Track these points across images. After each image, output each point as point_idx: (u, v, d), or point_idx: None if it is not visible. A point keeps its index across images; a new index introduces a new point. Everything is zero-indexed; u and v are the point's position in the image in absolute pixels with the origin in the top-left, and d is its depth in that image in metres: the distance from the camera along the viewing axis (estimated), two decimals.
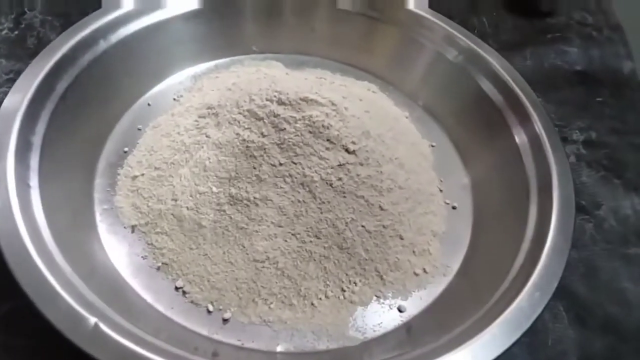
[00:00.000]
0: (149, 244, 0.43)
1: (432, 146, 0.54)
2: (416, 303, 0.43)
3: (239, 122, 0.44)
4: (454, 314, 0.41)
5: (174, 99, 0.53)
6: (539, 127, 0.48)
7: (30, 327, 0.38)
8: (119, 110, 0.51)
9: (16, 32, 0.58)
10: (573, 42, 0.68)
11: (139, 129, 0.50)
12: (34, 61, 0.45)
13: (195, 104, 0.50)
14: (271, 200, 0.43)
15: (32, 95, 0.43)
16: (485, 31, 0.68)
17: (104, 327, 0.32)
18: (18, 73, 0.53)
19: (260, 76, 0.54)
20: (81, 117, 0.46)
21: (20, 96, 0.42)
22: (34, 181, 0.40)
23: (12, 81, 0.53)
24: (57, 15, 0.60)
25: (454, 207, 0.50)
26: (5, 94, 0.51)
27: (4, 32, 0.58)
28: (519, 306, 0.37)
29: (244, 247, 0.42)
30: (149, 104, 0.53)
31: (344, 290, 0.42)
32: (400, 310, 0.43)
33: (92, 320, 0.32)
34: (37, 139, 0.42)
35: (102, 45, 0.49)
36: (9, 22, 0.59)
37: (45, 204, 0.39)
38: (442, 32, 0.55)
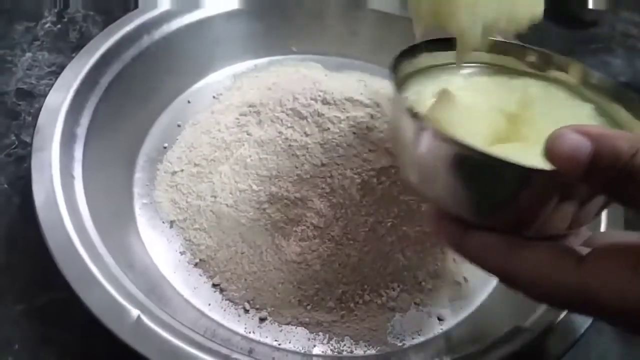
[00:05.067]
0: (187, 240, 0.43)
1: None
2: (456, 312, 0.42)
3: (281, 120, 0.44)
4: (495, 325, 0.40)
5: (214, 97, 0.53)
6: None
7: (70, 319, 0.37)
8: (160, 106, 0.51)
9: (59, 26, 0.59)
10: (617, 53, 0.67)
11: (179, 126, 0.50)
12: (79, 54, 0.45)
13: (235, 102, 0.50)
14: (311, 200, 0.42)
15: (77, 87, 0.43)
16: (528, 41, 0.67)
17: (146, 320, 0.32)
18: (60, 66, 0.54)
19: (300, 76, 0.54)
20: (123, 112, 0.47)
21: (65, 88, 0.43)
22: (77, 172, 0.40)
23: (54, 73, 0.54)
24: (99, 11, 0.61)
25: None
26: (48, 85, 0.52)
27: (47, 25, 0.59)
28: (569, 317, 0.36)
29: (282, 246, 0.42)
30: (188, 101, 0.53)
31: (382, 296, 0.42)
32: (439, 319, 0.42)
33: (135, 312, 0.32)
34: (81, 131, 0.42)
35: (146, 40, 0.49)
36: (52, 16, 0.60)
37: (88, 195, 0.39)
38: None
